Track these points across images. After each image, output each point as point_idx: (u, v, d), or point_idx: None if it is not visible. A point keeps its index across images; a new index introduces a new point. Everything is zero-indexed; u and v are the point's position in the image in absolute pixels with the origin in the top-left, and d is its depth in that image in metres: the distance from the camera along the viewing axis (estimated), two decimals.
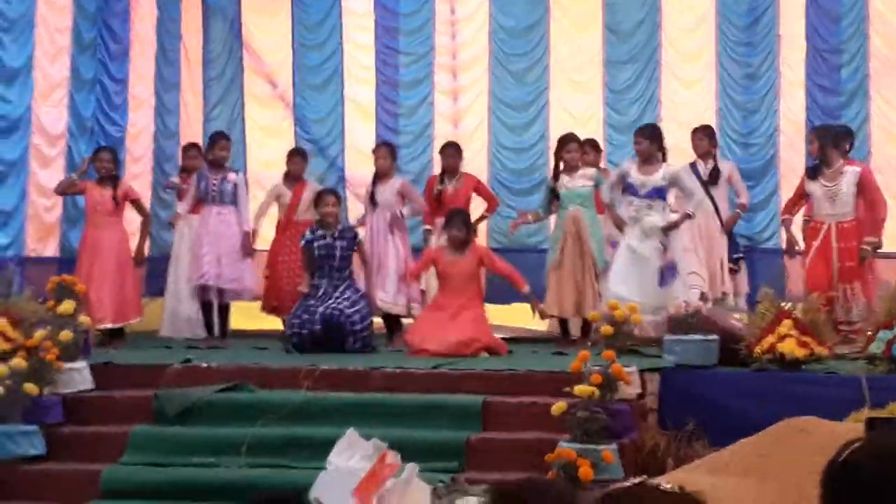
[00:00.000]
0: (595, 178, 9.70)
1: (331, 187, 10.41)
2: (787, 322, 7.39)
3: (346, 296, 9.00)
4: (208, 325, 9.74)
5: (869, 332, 7.48)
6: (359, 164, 12.36)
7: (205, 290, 9.67)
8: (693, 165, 10.14)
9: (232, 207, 9.72)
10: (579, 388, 6.54)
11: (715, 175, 10.08)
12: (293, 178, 10.77)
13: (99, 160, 9.92)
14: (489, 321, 9.31)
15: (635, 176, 8.68)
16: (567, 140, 9.80)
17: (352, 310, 8.91)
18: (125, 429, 7.24)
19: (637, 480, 5.29)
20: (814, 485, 2.61)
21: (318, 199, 9.40)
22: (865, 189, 9.04)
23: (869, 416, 4.62)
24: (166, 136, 12.06)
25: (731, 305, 9.54)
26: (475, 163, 12.11)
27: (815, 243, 9.01)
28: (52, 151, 10.61)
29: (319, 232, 9.18)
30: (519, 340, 10.07)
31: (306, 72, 12.78)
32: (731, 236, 10.24)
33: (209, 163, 9.96)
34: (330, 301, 8.93)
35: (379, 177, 10.23)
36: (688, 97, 12.08)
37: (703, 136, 10.26)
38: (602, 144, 11.93)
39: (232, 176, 9.73)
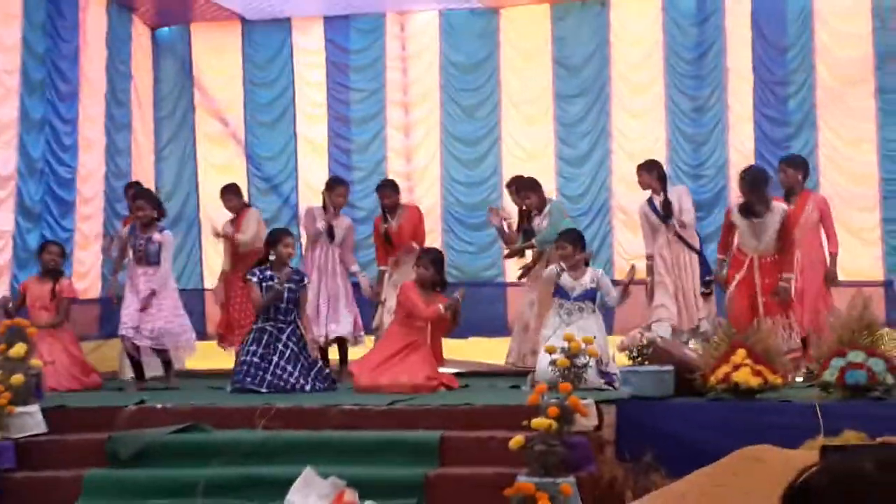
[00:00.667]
0: (549, 211, 9.99)
1: (286, 227, 10.33)
2: (740, 351, 7.44)
3: (290, 348, 8.90)
4: (136, 371, 9.57)
5: (822, 360, 7.54)
6: (312, 201, 12.34)
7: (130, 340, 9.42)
8: (650, 201, 10.21)
9: (157, 267, 9.52)
10: (536, 422, 6.54)
11: (667, 207, 10.15)
12: (231, 211, 10.89)
13: (48, 252, 9.78)
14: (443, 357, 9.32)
15: (565, 280, 8.69)
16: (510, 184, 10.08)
17: (296, 374, 8.83)
18: (79, 473, 7.14)
19: None
20: None
21: (278, 238, 9.22)
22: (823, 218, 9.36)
23: (823, 445, 4.65)
24: (117, 176, 12.00)
25: (708, 332, 9.54)
26: (428, 197, 12.18)
27: (738, 276, 9.09)
28: (2, 193, 10.52)
29: (268, 273, 9.08)
30: (475, 375, 10.06)
31: (257, 109, 12.80)
32: (702, 259, 10.22)
33: (138, 219, 9.67)
34: (275, 358, 8.83)
35: (335, 213, 10.29)
36: (638, 129, 12.19)
37: (643, 172, 10.24)
38: (553, 178, 12.04)
39: (157, 237, 9.50)
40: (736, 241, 9.16)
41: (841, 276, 10.02)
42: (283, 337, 8.95)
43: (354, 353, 10.22)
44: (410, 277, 9.86)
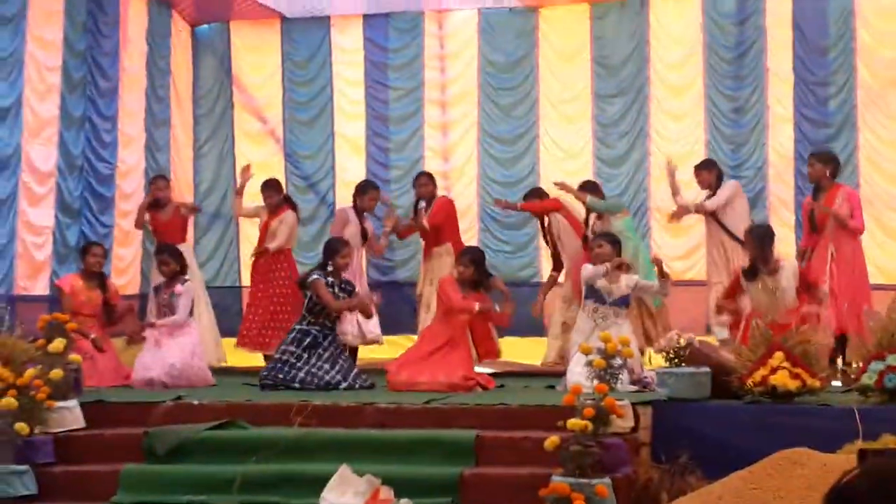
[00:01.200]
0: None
1: (344, 239, 9.95)
2: (778, 354, 7.40)
3: (328, 351, 8.93)
4: None
5: (860, 364, 7.49)
6: (349, 200, 12.38)
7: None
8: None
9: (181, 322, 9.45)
10: (572, 422, 6.53)
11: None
12: (268, 207, 10.83)
13: (93, 255, 9.72)
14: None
15: (602, 284, 8.64)
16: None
17: (332, 372, 8.86)
18: (116, 467, 7.20)
19: None
20: None
21: (336, 249, 9.18)
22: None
23: (861, 448, 4.62)
24: (157, 172, 12.06)
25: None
26: (465, 196, 12.20)
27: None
28: (42, 189, 10.62)
29: (330, 279, 9.09)
30: (511, 375, 10.06)
31: (296, 108, 12.85)
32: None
33: (162, 274, 9.68)
34: (313, 359, 8.87)
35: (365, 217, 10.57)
36: (676, 130, 12.14)
37: (703, 171, 10.26)
38: (590, 178, 11.99)
39: (179, 288, 9.50)
40: (747, 307, 8.72)
41: (880, 279, 9.93)
42: (325, 342, 9.00)
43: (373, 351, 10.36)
44: (445, 272, 9.89)
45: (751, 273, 8.66)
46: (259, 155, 12.86)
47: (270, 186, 10.99)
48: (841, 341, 8.98)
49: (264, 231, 10.79)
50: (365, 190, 10.64)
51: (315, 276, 8.97)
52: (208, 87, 12.94)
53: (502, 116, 12.50)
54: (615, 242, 8.80)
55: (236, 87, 12.95)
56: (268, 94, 12.94)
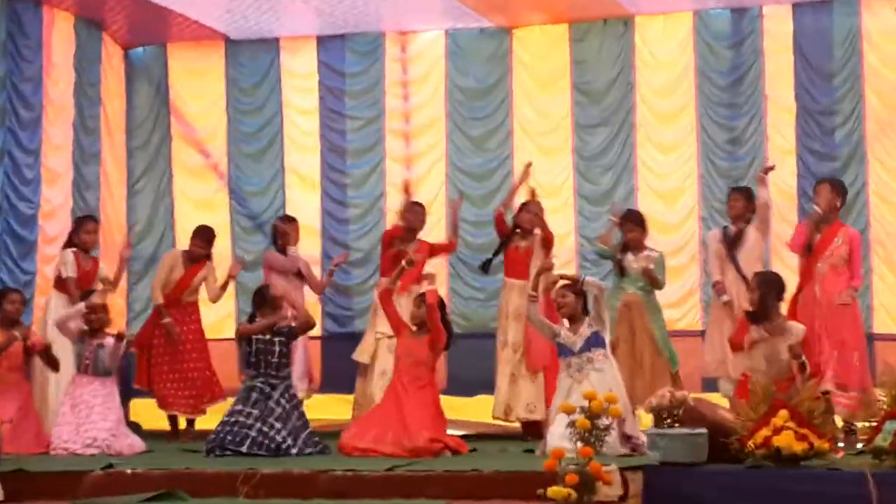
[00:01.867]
0: (658, 261, 10.09)
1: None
2: (782, 413, 7.41)
3: (281, 405, 8.93)
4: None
5: (874, 423, 7.51)
6: (301, 241, 12.36)
7: None
8: (724, 229, 10.22)
9: (106, 379, 9.43)
10: (553, 491, 6.51)
11: (738, 238, 10.09)
12: (192, 257, 10.75)
13: (11, 302, 9.70)
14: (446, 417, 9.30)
15: (566, 337, 8.73)
16: (628, 217, 10.21)
17: (284, 433, 8.84)
18: None
19: None
20: None
21: (270, 299, 9.33)
22: None
23: None
24: (86, 212, 12.00)
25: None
26: (432, 237, 12.14)
27: None
28: None
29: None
30: (484, 437, 10.04)
31: (242, 139, 12.86)
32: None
33: (89, 323, 9.59)
34: (263, 414, 8.86)
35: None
36: (666, 163, 12.22)
37: (741, 198, 10.21)
38: (572, 216, 12.05)
39: (109, 341, 9.47)
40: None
41: (892, 327, 9.96)
42: (276, 394, 8.98)
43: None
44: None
45: (754, 317, 8.69)
46: (201, 192, 12.85)
47: (203, 236, 10.90)
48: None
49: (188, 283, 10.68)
50: (288, 222, 10.96)
51: (239, 324, 9.13)
52: (143, 117, 12.94)
53: (473, 149, 12.55)
54: (579, 292, 8.85)
55: (174, 117, 12.95)
56: (210, 125, 12.95)
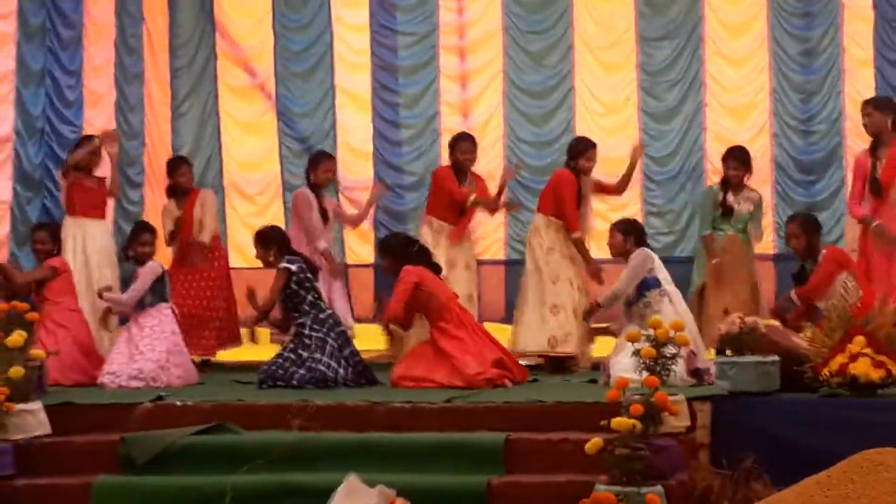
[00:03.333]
0: (757, 202, 10.02)
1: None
2: (859, 339, 7.38)
3: (330, 353, 9.00)
4: None
5: None
6: (353, 164, 12.40)
7: None
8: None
9: (152, 309, 9.42)
10: (617, 422, 6.53)
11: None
12: (180, 190, 10.74)
13: (37, 241, 9.72)
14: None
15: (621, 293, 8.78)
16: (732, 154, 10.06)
17: (334, 366, 8.90)
18: (88, 480, 7.22)
19: None
20: None
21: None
22: None
23: None
24: (129, 135, 12.09)
25: None
26: (489, 160, 12.15)
27: None
28: None
29: (299, 263, 9.13)
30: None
31: (290, 58, 12.84)
32: None
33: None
34: (312, 362, 8.92)
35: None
36: (736, 78, 12.12)
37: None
38: (636, 135, 11.98)
39: (149, 266, 9.46)
40: None
41: None
42: (323, 334, 9.04)
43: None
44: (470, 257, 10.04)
45: (801, 278, 8.77)
46: (248, 113, 12.87)
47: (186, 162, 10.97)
48: None
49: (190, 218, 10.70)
50: (318, 161, 10.66)
51: (286, 269, 9.05)
52: (187, 36, 12.93)
53: (531, 65, 12.47)
54: (628, 230, 8.93)
55: (220, 35, 12.94)
56: (257, 43, 12.93)
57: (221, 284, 10.71)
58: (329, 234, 10.76)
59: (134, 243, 9.51)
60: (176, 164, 10.89)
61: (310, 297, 9.04)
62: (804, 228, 8.87)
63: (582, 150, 10.12)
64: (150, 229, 9.68)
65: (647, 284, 8.64)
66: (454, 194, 10.25)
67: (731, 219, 9.92)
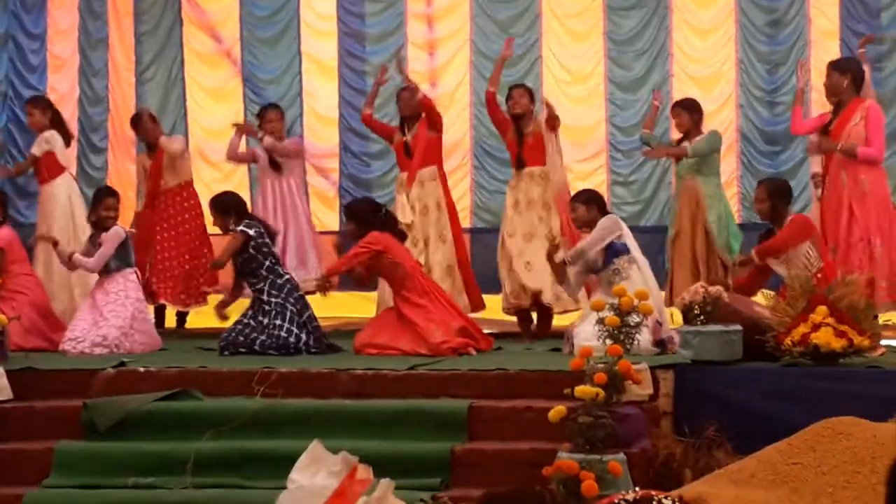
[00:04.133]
0: (707, 136, 9.91)
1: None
2: (821, 308, 7.42)
3: (290, 318, 8.95)
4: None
5: None
6: (319, 131, 12.35)
7: None
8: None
9: (117, 274, 9.29)
10: (580, 390, 6.55)
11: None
12: (148, 144, 10.72)
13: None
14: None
15: (591, 261, 8.74)
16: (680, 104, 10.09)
17: (296, 332, 8.88)
18: (50, 445, 7.21)
19: (639, 494, 5.35)
20: (854, 497, 2.63)
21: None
22: None
23: None
24: (93, 101, 12.04)
25: None
26: (455, 128, 12.14)
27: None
28: None
29: (257, 228, 9.08)
30: (509, 335, 10.08)
31: (256, 24, 12.76)
32: None
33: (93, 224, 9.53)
34: (273, 328, 8.88)
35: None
36: (703, 48, 12.13)
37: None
38: (602, 104, 11.97)
39: (113, 232, 9.31)
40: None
41: None
42: (282, 300, 8.98)
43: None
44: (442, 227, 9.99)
45: (767, 235, 8.75)
46: (213, 80, 12.80)
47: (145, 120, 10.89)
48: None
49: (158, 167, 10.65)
50: (263, 114, 10.71)
51: (241, 232, 8.98)
52: (152, 1, 12.83)
53: (499, 33, 12.42)
54: (589, 200, 8.83)
55: (185, 0, 12.85)
56: (222, 8, 12.84)
57: (201, 233, 10.63)
58: None
59: (98, 208, 9.40)
60: (135, 120, 10.81)
61: (267, 263, 9.00)
62: (769, 192, 8.83)
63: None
64: (114, 194, 9.58)
65: (616, 251, 8.62)
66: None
67: (681, 163, 9.87)
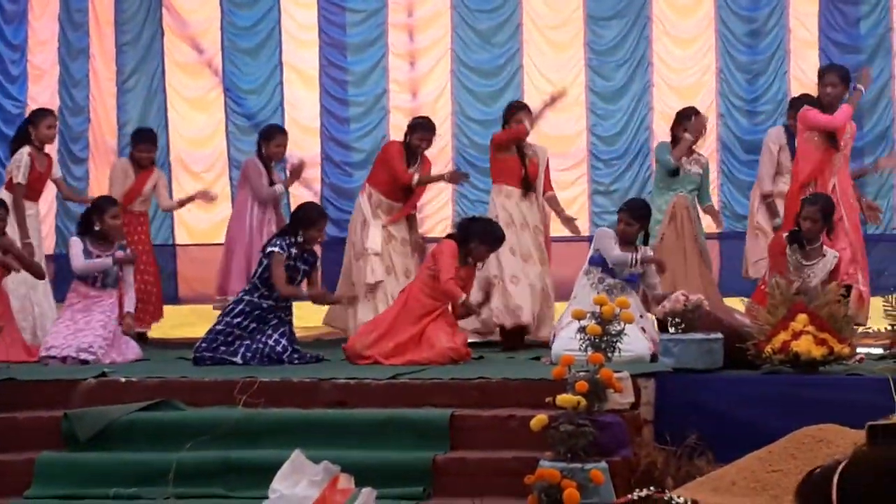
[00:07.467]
0: (705, 167, 10.24)
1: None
2: (801, 317, 7.44)
3: (282, 321, 8.92)
4: None
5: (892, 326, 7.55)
6: (301, 141, 12.34)
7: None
8: (786, 128, 10.16)
9: (113, 290, 9.29)
10: (562, 398, 6.55)
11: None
12: (139, 164, 10.69)
13: None
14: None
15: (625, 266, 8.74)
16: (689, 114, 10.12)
17: (283, 342, 8.84)
18: (30, 456, 7.20)
19: (644, 493, 5.36)
20: None
21: (314, 221, 9.12)
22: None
23: (870, 424, 4.64)
24: (73, 111, 12.00)
25: None
26: (437, 138, 12.10)
27: None
28: None
29: (293, 251, 8.94)
30: (491, 345, 10.09)
31: (237, 34, 12.75)
32: None
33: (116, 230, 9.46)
34: (261, 336, 8.83)
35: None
36: (683, 58, 12.16)
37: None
38: (583, 114, 12.00)
39: (119, 254, 9.27)
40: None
41: None
42: (281, 314, 8.96)
43: None
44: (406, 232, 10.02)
45: (795, 238, 8.62)
46: (194, 90, 12.78)
47: (150, 139, 10.87)
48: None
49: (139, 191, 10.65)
50: (271, 135, 10.63)
51: (275, 247, 8.90)
52: (133, 11, 12.80)
53: (480, 43, 12.45)
54: (643, 217, 8.89)
55: (166, 10, 12.83)
56: (203, 19, 12.82)
57: (149, 258, 10.63)
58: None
59: (104, 216, 9.23)
60: (140, 138, 10.81)
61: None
62: (824, 213, 8.69)
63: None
64: (116, 203, 9.55)
65: (636, 279, 8.70)
66: (399, 175, 10.22)
67: (677, 179, 9.98)
